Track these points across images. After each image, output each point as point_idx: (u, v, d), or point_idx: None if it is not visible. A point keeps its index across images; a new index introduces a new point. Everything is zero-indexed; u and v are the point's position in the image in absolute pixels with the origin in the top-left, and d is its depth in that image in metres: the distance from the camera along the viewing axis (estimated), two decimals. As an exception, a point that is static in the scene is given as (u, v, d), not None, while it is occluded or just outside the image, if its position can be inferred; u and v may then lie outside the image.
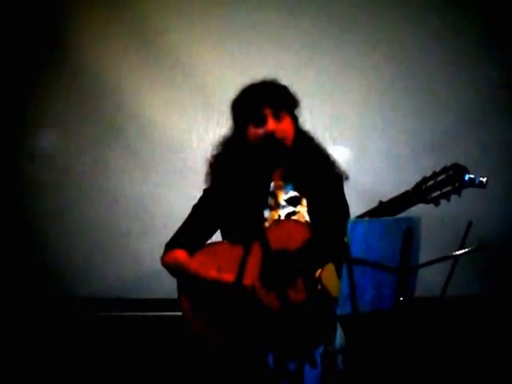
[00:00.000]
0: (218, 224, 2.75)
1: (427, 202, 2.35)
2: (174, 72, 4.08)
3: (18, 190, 4.10)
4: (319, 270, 2.49)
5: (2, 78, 4.06)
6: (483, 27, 3.91)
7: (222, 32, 4.06)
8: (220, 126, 3.96)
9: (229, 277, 2.48)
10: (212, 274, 2.57)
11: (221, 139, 2.77)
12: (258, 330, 2.48)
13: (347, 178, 2.71)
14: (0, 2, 4.03)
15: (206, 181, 2.77)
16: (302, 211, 2.65)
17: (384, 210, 2.37)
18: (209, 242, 2.75)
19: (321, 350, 2.55)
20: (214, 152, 2.77)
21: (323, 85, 3.95)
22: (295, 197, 2.68)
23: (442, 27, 3.93)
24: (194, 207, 2.82)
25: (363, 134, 3.93)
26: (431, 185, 2.33)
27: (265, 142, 2.61)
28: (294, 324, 2.47)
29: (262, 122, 2.62)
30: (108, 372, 3.90)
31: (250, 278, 2.49)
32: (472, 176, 2.28)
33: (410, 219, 2.18)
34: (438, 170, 2.34)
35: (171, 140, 4.08)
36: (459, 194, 2.31)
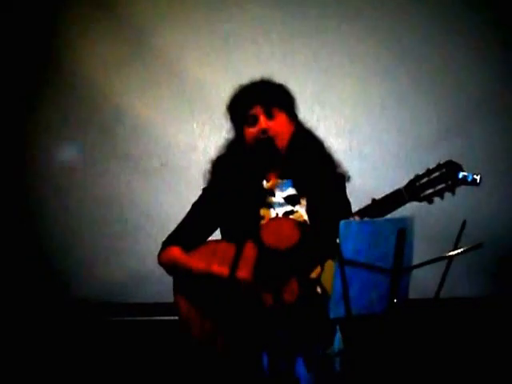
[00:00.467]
0: (216, 223, 2.75)
1: (420, 200, 2.32)
2: (168, 74, 4.07)
3: (14, 192, 4.09)
4: (318, 271, 2.46)
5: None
6: (482, 26, 3.91)
7: (216, 33, 4.05)
8: (214, 128, 3.98)
9: (223, 270, 2.47)
10: (206, 267, 2.56)
11: (224, 140, 2.78)
12: (252, 328, 2.48)
13: (349, 178, 2.69)
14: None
15: (206, 180, 2.77)
16: (301, 211, 2.64)
17: (376, 208, 2.34)
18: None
19: (318, 351, 2.53)
20: (218, 153, 2.78)
21: (317, 83, 3.93)
22: (294, 195, 2.67)
23: (440, 26, 3.93)
24: (193, 206, 2.82)
25: (355, 132, 3.92)
26: (424, 182, 2.31)
27: (257, 141, 2.62)
28: (286, 324, 2.45)
29: (254, 121, 2.63)
30: (103, 375, 3.89)
31: (246, 274, 2.49)
32: (465, 173, 2.26)
33: (403, 220, 2.16)
34: (431, 168, 2.31)
35: (166, 142, 4.07)
36: (453, 192, 2.28)
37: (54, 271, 4.05)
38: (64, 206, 4.08)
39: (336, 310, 2.13)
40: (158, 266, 3.77)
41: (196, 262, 2.61)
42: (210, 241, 2.73)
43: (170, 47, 4.08)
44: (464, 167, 2.27)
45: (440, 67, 3.92)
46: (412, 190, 2.32)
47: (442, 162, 2.30)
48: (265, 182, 2.70)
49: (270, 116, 2.63)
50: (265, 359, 2.49)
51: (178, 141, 4.06)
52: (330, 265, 2.43)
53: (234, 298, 2.49)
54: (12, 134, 4.11)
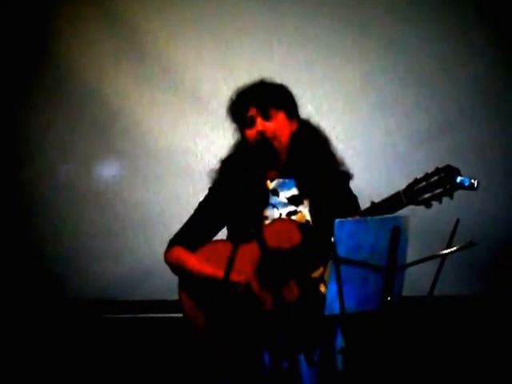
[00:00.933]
0: (221, 222, 2.76)
1: (418, 204, 2.33)
2: (163, 73, 4.06)
3: (9, 191, 4.09)
4: (321, 271, 2.47)
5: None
6: (475, 26, 3.92)
7: (212, 32, 4.04)
8: (209, 126, 3.99)
9: (219, 272, 2.47)
10: (207, 270, 2.58)
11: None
12: (252, 327, 2.49)
13: (352, 176, 2.69)
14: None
15: (212, 179, 2.78)
16: (304, 211, 2.64)
17: (376, 211, 2.36)
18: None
19: (319, 349, 2.54)
20: (225, 153, 2.79)
21: (312, 84, 3.94)
22: (297, 195, 2.67)
23: (434, 27, 3.93)
24: (199, 205, 2.82)
25: (348, 133, 3.92)
26: (422, 186, 2.31)
27: (254, 143, 2.62)
28: (287, 323, 2.46)
29: (252, 123, 2.64)
30: (102, 373, 3.89)
31: (245, 275, 2.51)
32: (463, 178, 2.26)
33: (397, 218, 2.18)
34: (430, 172, 2.32)
35: (161, 141, 4.07)
36: (451, 197, 2.29)
37: (49, 270, 4.05)
38: (59, 205, 4.08)
39: (331, 308, 2.14)
40: (153, 264, 3.84)
41: (196, 263, 2.63)
42: (214, 240, 2.74)
43: (165, 46, 4.07)
44: (459, 168, 2.28)
45: (434, 67, 3.92)
46: (410, 194, 2.33)
47: (440, 167, 2.31)
48: (268, 182, 2.70)
49: (266, 117, 2.62)
50: (266, 358, 2.51)
51: (173, 139, 4.05)
52: None
53: (232, 300, 2.50)
54: (6, 133, 4.10)
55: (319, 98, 3.91)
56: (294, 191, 2.68)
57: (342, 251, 2.08)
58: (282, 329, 2.47)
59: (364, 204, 2.49)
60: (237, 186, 2.63)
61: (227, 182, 2.70)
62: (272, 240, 2.48)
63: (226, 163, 2.76)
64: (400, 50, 3.94)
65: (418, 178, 2.34)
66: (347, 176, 2.69)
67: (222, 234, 2.78)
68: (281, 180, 2.70)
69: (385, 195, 2.38)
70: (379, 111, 3.95)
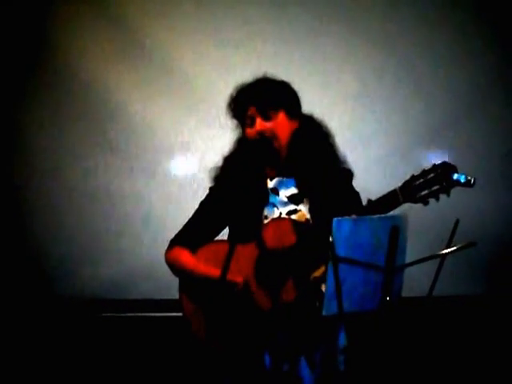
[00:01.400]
0: (222, 222, 2.74)
1: (415, 202, 2.31)
2: (161, 71, 4.06)
3: (6, 192, 4.09)
4: (322, 270, 2.46)
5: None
6: (475, 26, 3.92)
7: (210, 31, 4.04)
8: (208, 125, 3.98)
9: (216, 273, 2.47)
10: (204, 270, 2.58)
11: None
12: (252, 328, 2.48)
13: (354, 174, 2.67)
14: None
15: (212, 179, 2.76)
16: (304, 210, 2.63)
17: (372, 209, 2.34)
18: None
19: (321, 351, 2.53)
20: (225, 152, 2.77)
21: (311, 84, 3.92)
22: (297, 194, 2.65)
23: (433, 27, 3.93)
24: (200, 204, 2.81)
25: (348, 132, 3.90)
26: (419, 183, 2.30)
27: (254, 142, 2.61)
28: (286, 323, 2.45)
29: (252, 122, 2.62)
30: (98, 372, 3.89)
31: (244, 275, 2.50)
32: (459, 175, 2.25)
33: (396, 217, 2.16)
34: (426, 169, 2.30)
35: (158, 140, 4.07)
36: (448, 194, 2.27)
37: (45, 269, 4.05)
38: (56, 203, 4.08)
39: (329, 307, 2.13)
40: (149, 263, 3.83)
41: (194, 263, 2.63)
42: (215, 240, 2.73)
43: (164, 44, 4.07)
44: (457, 167, 2.27)
45: (433, 67, 3.93)
46: (407, 192, 2.31)
47: (436, 163, 2.29)
48: (268, 181, 2.69)
49: (266, 117, 2.61)
50: (267, 359, 2.50)
51: (171, 138, 4.06)
52: None
53: (230, 300, 2.49)
54: (3, 132, 4.10)
55: (319, 98, 3.90)
56: (294, 190, 2.66)
57: (340, 250, 2.07)
58: (282, 329, 2.47)
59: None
60: (237, 185, 2.61)
61: (227, 181, 2.69)
62: (270, 239, 2.48)
63: (227, 161, 2.74)
64: (400, 51, 3.95)
65: (415, 174, 2.32)
66: (349, 173, 2.67)
67: (224, 234, 2.77)
68: (281, 179, 2.69)
69: (383, 195, 2.37)
70: (379, 112, 3.95)
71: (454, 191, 2.29)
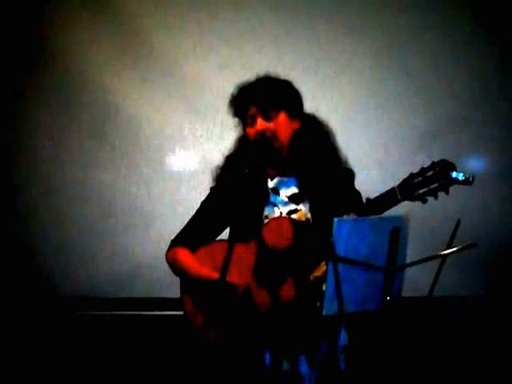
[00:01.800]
0: (223, 222, 2.73)
1: (413, 200, 2.30)
2: (161, 71, 4.05)
3: (3, 191, 4.08)
4: (324, 270, 2.46)
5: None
6: (475, 28, 3.92)
7: (213, 31, 4.03)
8: (207, 125, 3.98)
9: (214, 274, 2.47)
10: (203, 272, 2.57)
11: (233, 141, 2.77)
12: (252, 328, 2.48)
13: (355, 174, 2.67)
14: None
15: (213, 178, 2.76)
16: (304, 210, 2.62)
17: (371, 207, 2.34)
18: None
19: (322, 350, 2.53)
20: (226, 151, 2.76)
21: (312, 84, 3.92)
22: (298, 194, 2.65)
23: (433, 29, 3.93)
24: (201, 204, 2.81)
25: (348, 133, 3.90)
26: (418, 181, 2.29)
27: (254, 142, 2.60)
28: (286, 323, 2.45)
29: (253, 121, 2.62)
30: (94, 371, 3.89)
31: (244, 277, 2.50)
32: (458, 173, 2.24)
33: (397, 218, 2.16)
34: (425, 166, 2.29)
35: (157, 139, 4.06)
36: (447, 192, 2.26)
37: (41, 267, 4.04)
38: (52, 202, 4.07)
39: (329, 307, 2.13)
40: (146, 261, 3.82)
41: (193, 264, 2.63)
42: (215, 240, 2.72)
43: (164, 43, 4.05)
44: (457, 167, 2.26)
45: (433, 69, 3.92)
46: (405, 190, 2.30)
47: (435, 161, 2.28)
48: (269, 181, 2.69)
49: (267, 117, 2.60)
50: (267, 358, 2.50)
51: (171, 137, 4.05)
52: None
53: (231, 302, 2.49)
54: (2, 131, 4.10)
55: (319, 99, 3.90)
56: (295, 190, 2.66)
57: (340, 250, 2.07)
58: (282, 329, 2.47)
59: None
60: (237, 184, 2.59)
61: (228, 181, 2.68)
62: (270, 238, 2.48)
63: (227, 161, 2.73)
64: (400, 52, 3.94)
65: (414, 172, 2.31)
66: (350, 173, 2.67)
67: (225, 234, 2.76)
68: (281, 178, 2.68)
69: (383, 196, 2.37)
70: (379, 113, 3.94)
71: (455, 192, 2.29)
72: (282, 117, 2.61)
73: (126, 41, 4.05)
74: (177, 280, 2.69)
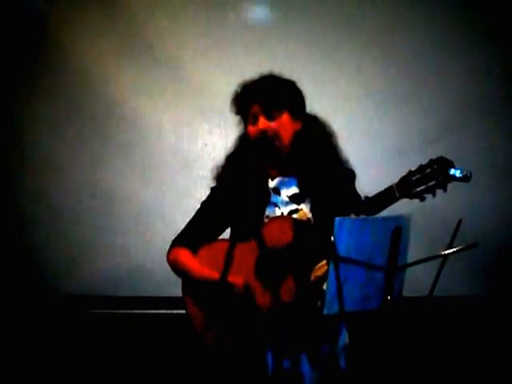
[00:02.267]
0: (223, 222, 2.73)
1: (411, 197, 2.30)
2: (163, 67, 4.06)
3: (2, 190, 4.09)
4: (325, 269, 2.46)
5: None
6: (478, 28, 3.93)
7: (216, 30, 4.04)
8: (209, 122, 3.98)
9: (215, 274, 2.47)
10: (204, 272, 2.57)
11: (234, 141, 2.76)
12: (254, 327, 2.48)
13: (356, 175, 2.67)
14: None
15: (214, 178, 2.75)
16: (305, 209, 2.62)
17: (369, 205, 2.33)
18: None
19: (323, 349, 2.53)
20: (227, 151, 2.75)
21: (314, 82, 3.92)
22: (298, 194, 2.64)
23: (436, 28, 3.94)
24: (202, 205, 2.80)
25: (351, 131, 3.90)
26: (416, 179, 2.28)
27: (255, 142, 2.59)
28: (288, 322, 2.45)
29: (255, 120, 2.60)
30: (92, 369, 3.90)
31: (244, 275, 2.50)
32: (456, 169, 2.24)
33: (398, 218, 2.16)
34: (423, 164, 2.29)
35: (159, 138, 4.07)
36: (445, 189, 2.26)
37: (41, 266, 4.05)
38: (52, 201, 4.08)
39: (330, 307, 2.13)
40: (146, 260, 3.83)
41: (193, 264, 2.62)
42: (216, 240, 2.71)
43: (168, 41, 4.06)
44: (458, 165, 2.26)
45: (436, 67, 3.93)
46: (403, 187, 2.30)
47: (433, 158, 2.27)
48: (270, 181, 2.68)
49: (269, 116, 2.59)
50: (269, 358, 2.50)
51: (172, 136, 4.06)
52: None
53: (231, 301, 2.49)
54: (1, 128, 4.10)
55: (319, 100, 3.87)
56: (296, 189, 2.65)
57: (342, 250, 2.07)
58: (284, 328, 2.47)
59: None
60: (238, 184, 2.59)
61: (229, 181, 2.67)
62: (270, 237, 2.47)
63: (228, 160, 2.73)
64: (400, 53, 3.95)
65: (412, 170, 2.31)
66: (351, 173, 2.67)
67: (226, 234, 2.76)
68: (282, 178, 2.68)
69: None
70: (379, 113, 3.95)
71: (456, 191, 2.29)
72: (285, 117, 2.61)
73: (128, 39, 4.06)
74: (177, 279, 2.68)
